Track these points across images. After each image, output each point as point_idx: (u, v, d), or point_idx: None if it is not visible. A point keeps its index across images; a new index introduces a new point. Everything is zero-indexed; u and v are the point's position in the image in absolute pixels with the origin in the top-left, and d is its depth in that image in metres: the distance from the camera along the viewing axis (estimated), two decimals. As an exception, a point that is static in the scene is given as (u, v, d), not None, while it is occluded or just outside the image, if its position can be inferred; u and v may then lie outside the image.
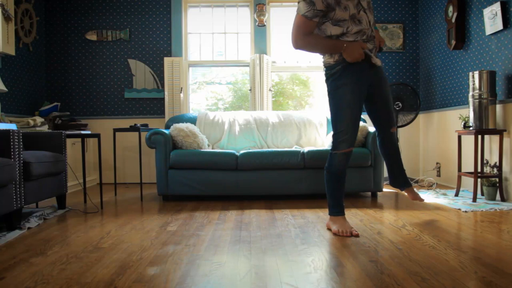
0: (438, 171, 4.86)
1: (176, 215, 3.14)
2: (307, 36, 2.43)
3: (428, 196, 3.88)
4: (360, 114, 2.51)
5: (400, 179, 2.91)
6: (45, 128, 4.20)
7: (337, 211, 2.56)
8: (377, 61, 2.54)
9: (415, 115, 4.94)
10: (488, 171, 3.72)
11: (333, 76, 2.48)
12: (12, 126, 3.14)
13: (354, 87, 2.43)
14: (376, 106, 2.67)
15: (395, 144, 2.81)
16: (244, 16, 5.33)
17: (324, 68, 2.57)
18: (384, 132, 2.75)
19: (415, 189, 2.97)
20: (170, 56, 5.20)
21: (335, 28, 2.40)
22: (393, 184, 2.95)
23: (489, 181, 3.61)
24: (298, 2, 2.43)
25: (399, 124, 5.00)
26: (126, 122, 5.13)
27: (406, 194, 2.99)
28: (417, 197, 2.94)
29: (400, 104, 4.91)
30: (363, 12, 2.42)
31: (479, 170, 3.72)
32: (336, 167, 2.50)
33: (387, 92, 2.66)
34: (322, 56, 2.58)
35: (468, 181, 4.15)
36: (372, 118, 2.75)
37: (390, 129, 2.74)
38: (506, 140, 3.59)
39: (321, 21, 2.42)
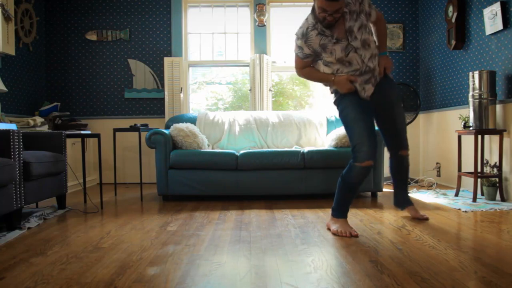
0: (438, 171, 4.86)
1: (176, 215, 3.14)
2: (302, 69, 2.62)
3: (428, 196, 3.88)
4: (372, 126, 2.49)
5: (401, 199, 2.90)
6: (45, 128, 4.20)
7: (340, 215, 2.57)
8: (368, 93, 2.53)
9: (415, 115, 4.95)
10: (488, 171, 3.72)
11: (336, 101, 2.63)
12: (12, 126, 3.14)
13: (355, 107, 2.50)
14: (384, 128, 2.70)
15: (404, 167, 2.76)
16: (244, 16, 5.33)
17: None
18: (393, 154, 2.74)
19: (415, 208, 2.93)
20: (170, 56, 5.20)
21: (326, 68, 2.54)
22: (395, 203, 2.95)
23: (489, 181, 3.61)
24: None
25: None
26: (126, 122, 5.13)
27: (407, 213, 2.96)
28: (417, 215, 2.88)
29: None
30: (354, 53, 2.45)
31: (479, 170, 3.72)
32: (352, 178, 2.48)
33: (395, 115, 2.62)
34: None
35: (468, 181, 4.15)
36: (383, 139, 2.78)
37: (398, 152, 2.71)
38: (506, 140, 3.59)
39: (315, 60, 2.56)
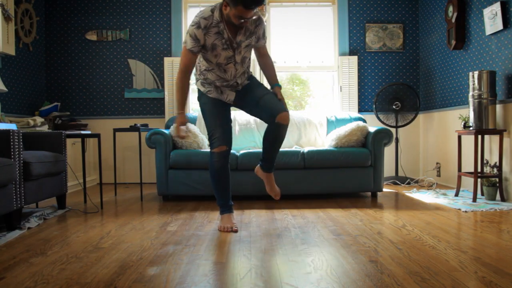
0: (438, 171, 4.86)
1: (176, 215, 3.14)
2: (185, 72, 2.55)
3: (428, 196, 3.88)
4: (225, 118, 2.66)
5: (266, 163, 2.75)
6: (45, 128, 4.20)
7: (222, 210, 2.72)
8: (230, 98, 2.66)
9: (415, 115, 4.95)
10: (488, 171, 3.72)
11: (198, 97, 2.76)
12: (12, 126, 3.14)
13: (213, 102, 2.67)
14: (255, 108, 2.65)
15: (280, 136, 2.59)
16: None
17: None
18: (270, 121, 2.56)
19: (273, 178, 2.83)
20: (170, 56, 5.20)
21: (203, 62, 2.60)
22: (261, 166, 2.82)
23: (489, 181, 3.61)
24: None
25: (399, 124, 5.00)
26: (126, 122, 5.13)
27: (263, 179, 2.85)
28: (273, 190, 2.81)
29: (399, 104, 4.91)
30: (232, 65, 2.55)
31: (479, 170, 3.72)
32: (213, 164, 2.64)
33: (260, 93, 2.62)
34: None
35: (468, 181, 4.15)
36: (262, 118, 2.67)
37: (274, 119, 2.52)
38: (506, 140, 3.59)
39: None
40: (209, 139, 2.67)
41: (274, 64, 2.79)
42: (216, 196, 2.75)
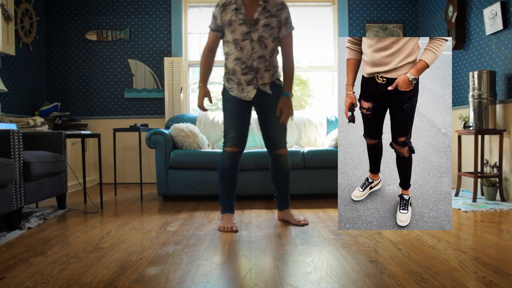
0: (438, 171, 4.85)
1: (176, 215, 3.14)
2: (209, 51, 2.74)
3: (428, 196, 3.88)
4: (244, 121, 2.71)
5: (278, 201, 2.89)
6: (45, 128, 4.20)
7: (224, 210, 2.75)
8: (249, 95, 2.67)
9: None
10: (488, 171, 3.72)
11: (223, 92, 2.80)
12: (12, 126, 3.14)
13: (235, 101, 2.70)
14: (262, 130, 2.82)
15: (280, 166, 2.80)
16: (244, 16, 5.33)
17: None
18: (270, 154, 2.82)
19: (292, 212, 2.88)
20: (170, 56, 5.20)
21: (223, 46, 2.70)
22: (278, 207, 2.92)
23: (489, 181, 3.61)
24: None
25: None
26: (126, 122, 5.13)
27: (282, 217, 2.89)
28: (294, 221, 2.78)
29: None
30: (249, 42, 2.57)
31: (479, 170, 3.72)
32: (223, 162, 2.71)
33: (270, 121, 2.72)
34: None
35: (468, 181, 4.15)
36: (263, 139, 2.85)
37: (273, 152, 2.78)
38: (506, 140, 3.59)
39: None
40: (224, 136, 2.72)
41: None
42: (221, 194, 2.78)
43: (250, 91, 2.67)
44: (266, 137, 2.79)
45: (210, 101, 2.71)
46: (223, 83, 2.78)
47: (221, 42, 2.72)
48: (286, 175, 2.82)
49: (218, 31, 2.63)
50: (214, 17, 2.61)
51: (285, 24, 2.63)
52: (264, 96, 2.69)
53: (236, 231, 2.58)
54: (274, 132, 2.73)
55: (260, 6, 2.56)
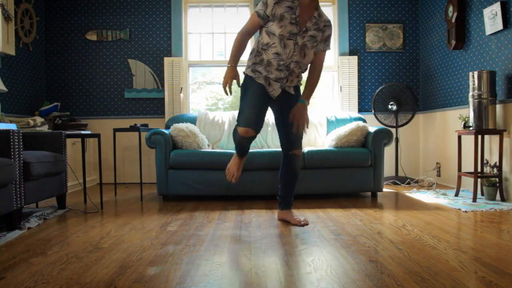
0: (438, 171, 4.86)
1: (176, 215, 3.14)
2: (246, 34, 2.68)
3: (428, 196, 3.88)
4: (262, 109, 2.65)
5: (281, 200, 2.91)
6: (45, 128, 4.20)
7: (238, 154, 2.82)
8: (274, 93, 2.66)
9: (412, 114, 4.94)
10: (488, 171, 3.72)
11: (245, 80, 2.75)
12: (12, 126, 3.14)
13: (257, 91, 2.65)
14: (279, 130, 2.81)
15: (293, 167, 2.81)
16: (244, 16, 5.33)
17: None
18: (285, 153, 2.82)
19: (293, 212, 2.93)
20: (170, 56, 5.20)
21: (266, 37, 2.61)
22: (280, 206, 2.93)
23: (489, 181, 3.61)
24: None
25: (399, 123, 5.00)
26: (126, 122, 5.13)
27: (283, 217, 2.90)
28: (294, 221, 2.79)
29: (395, 104, 4.91)
30: (293, 43, 2.57)
31: (479, 170, 3.72)
32: (235, 137, 2.70)
33: (287, 121, 2.69)
34: None
35: (468, 181, 4.15)
36: (279, 139, 2.86)
37: (288, 152, 2.79)
38: (506, 140, 3.59)
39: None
40: (239, 114, 2.65)
41: None
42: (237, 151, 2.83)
43: (276, 89, 2.66)
44: (283, 136, 2.78)
45: (238, 84, 2.66)
46: (244, 73, 2.75)
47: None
48: (295, 175, 2.85)
49: (263, 19, 2.58)
50: (266, 4, 2.55)
51: (325, 41, 2.66)
52: (287, 96, 2.70)
53: (236, 179, 2.83)
54: (291, 136, 2.74)
55: (315, 18, 2.58)
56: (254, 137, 2.64)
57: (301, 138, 2.79)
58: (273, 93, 2.66)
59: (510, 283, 1.66)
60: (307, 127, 2.71)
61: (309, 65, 2.72)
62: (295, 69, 2.63)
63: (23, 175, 2.76)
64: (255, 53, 2.68)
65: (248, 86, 2.67)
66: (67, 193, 3.86)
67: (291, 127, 2.66)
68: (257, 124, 2.60)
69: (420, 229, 2.59)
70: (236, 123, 2.68)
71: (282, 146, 2.82)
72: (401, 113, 4.99)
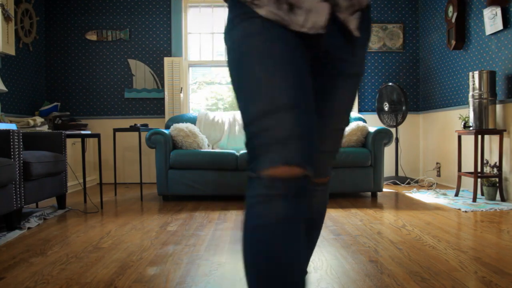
0: (438, 171, 4.86)
1: (176, 215, 3.14)
2: None
3: (428, 196, 3.88)
4: (305, 87, 0.99)
5: None
6: (45, 128, 4.20)
7: None
8: (318, 21, 0.95)
9: (403, 115, 4.89)
10: (488, 171, 3.72)
11: (230, 26, 1.12)
12: (12, 126, 3.14)
13: (263, 40, 0.96)
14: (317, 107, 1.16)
15: (320, 203, 1.27)
16: (244, 16, 5.33)
17: None
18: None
19: None
20: (170, 56, 5.20)
21: None
22: None
23: (489, 181, 3.61)
24: None
25: (399, 123, 5.00)
26: (126, 122, 5.13)
27: None
28: None
29: (387, 104, 4.91)
30: None
31: (479, 170, 3.72)
32: (253, 213, 1.03)
33: (339, 97, 1.13)
34: None
35: (468, 181, 4.15)
36: None
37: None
38: (506, 140, 3.59)
39: None
40: (251, 136, 1.02)
41: None
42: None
43: (320, 11, 0.95)
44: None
45: None
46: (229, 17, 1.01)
47: None
48: (318, 228, 1.07)
49: None
50: None
51: None
52: (341, 41, 1.09)
53: None
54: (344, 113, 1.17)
55: None
56: (306, 178, 0.93)
57: (337, 153, 1.24)
58: (312, 21, 0.94)
59: (510, 283, 1.66)
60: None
61: None
62: None
63: (23, 175, 2.76)
64: None
65: (243, 36, 0.95)
66: (67, 193, 3.86)
67: (337, 123, 1.17)
68: (307, 135, 0.93)
69: (420, 229, 2.59)
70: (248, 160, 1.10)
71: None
72: (395, 113, 4.99)
